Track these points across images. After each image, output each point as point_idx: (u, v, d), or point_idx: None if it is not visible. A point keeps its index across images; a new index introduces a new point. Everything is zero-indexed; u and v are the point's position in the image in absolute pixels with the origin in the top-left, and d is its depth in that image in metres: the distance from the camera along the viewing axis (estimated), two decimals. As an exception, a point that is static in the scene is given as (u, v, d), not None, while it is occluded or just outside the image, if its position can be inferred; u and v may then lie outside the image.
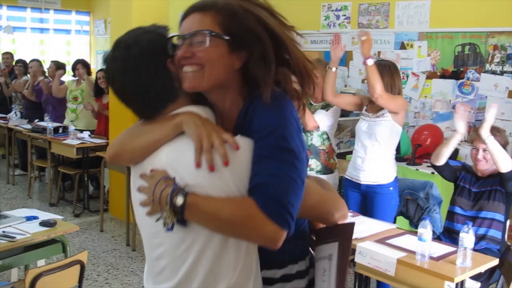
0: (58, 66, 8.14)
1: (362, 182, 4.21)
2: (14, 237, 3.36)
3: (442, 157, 4.03)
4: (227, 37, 1.47)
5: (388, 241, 3.29)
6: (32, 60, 8.70)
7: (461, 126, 3.92)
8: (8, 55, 9.77)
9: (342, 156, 5.77)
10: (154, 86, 1.52)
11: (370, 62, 3.98)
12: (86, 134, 6.79)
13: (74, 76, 7.76)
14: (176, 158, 1.46)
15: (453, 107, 6.10)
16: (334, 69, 4.34)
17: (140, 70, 1.51)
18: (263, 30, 1.48)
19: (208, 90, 1.53)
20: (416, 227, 4.43)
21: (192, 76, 1.49)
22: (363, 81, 6.95)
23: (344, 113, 5.07)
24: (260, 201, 1.36)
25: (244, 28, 1.48)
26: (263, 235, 1.38)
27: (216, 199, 1.40)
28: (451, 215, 4.08)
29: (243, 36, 1.48)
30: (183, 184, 1.42)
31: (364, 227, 3.51)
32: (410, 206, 4.68)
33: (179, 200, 1.39)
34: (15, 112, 8.39)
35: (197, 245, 1.44)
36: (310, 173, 4.54)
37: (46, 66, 9.10)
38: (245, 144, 1.45)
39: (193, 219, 1.42)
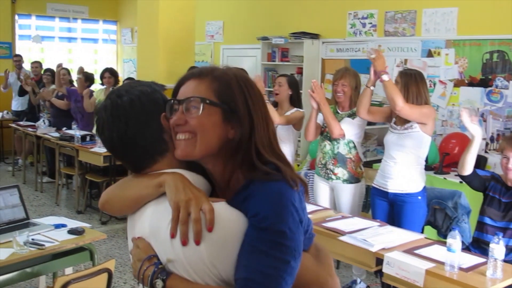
0: (87, 77, 8.25)
1: (389, 191, 4.19)
2: (43, 245, 3.40)
3: (467, 165, 3.95)
4: (222, 105, 1.43)
5: (416, 251, 3.25)
6: (60, 64, 8.84)
7: (473, 129, 3.84)
8: (37, 64, 9.93)
9: (369, 164, 5.73)
10: (143, 136, 1.47)
11: (386, 77, 3.98)
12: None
13: (102, 84, 7.84)
14: (157, 228, 1.41)
15: (482, 115, 6.04)
16: (372, 88, 4.31)
17: (129, 120, 1.47)
18: (246, 113, 1.44)
19: (200, 159, 1.47)
20: (444, 237, 4.37)
21: (184, 144, 1.45)
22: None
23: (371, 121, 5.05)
24: None
25: (234, 103, 1.44)
26: None
27: (195, 286, 1.33)
28: (480, 225, 4.02)
29: (233, 109, 1.44)
30: (165, 259, 1.37)
31: (392, 237, 3.48)
32: (438, 215, 4.61)
33: (159, 285, 1.36)
34: (44, 121, 8.51)
35: None
36: (336, 182, 4.53)
37: (73, 74, 9.22)
38: (235, 219, 1.36)
39: None
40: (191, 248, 1.32)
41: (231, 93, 1.45)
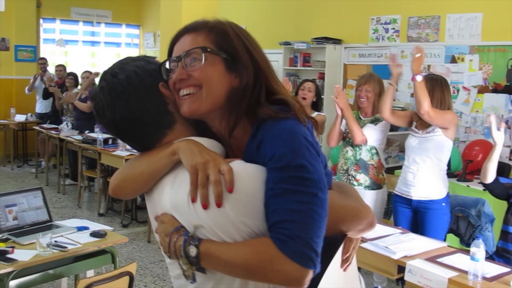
0: None
1: (413, 198, 4.16)
2: (66, 247, 3.43)
3: (489, 173, 3.91)
4: (223, 54, 1.40)
5: (439, 260, 3.22)
6: (85, 71, 8.95)
7: (497, 136, 3.81)
8: (61, 68, 10.05)
9: (391, 171, 5.70)
10: (147, 111, 1.42)
11: (419, 78, 3.95)
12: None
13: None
14: (177, 198, 1.36)
15: (506, 122, 5.97)
16: (395, 85, 4.29)
17: (129, 96, 1.41)
18: (248, 58, 1.42)
19: (209, 113, 1.42)
20: (467, 245, 4.33)
21: (190, 99, 1.40)
22: (411, 95, 6.86)
23: (393, 127, 5.02)
24: (279, 240, 1.24)
25: (234, 50, 1.42)
26: (285, 278, 1.26)
27: (231, 245, 1.29)
28: (504, 234, 3.97)
29: (234, 57, 1.41)
30: (192, 227, 1.33)
31: (414, 244, 3.45)
32: (460, 223, 4.57)
33: (192, 251, 1.30)
34: (67, 123, 8.59)
35: None
36: (358, 188, 4.50)
37: (96, 78, 9.31)
38: (253, 173, 1.33)
39: (210, 268, 1.33)
40: (216, 211, 1.29)
41: (229, 41, 1.42)
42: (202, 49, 1.38)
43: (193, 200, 1.30)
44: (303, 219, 1.26)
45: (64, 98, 9.04)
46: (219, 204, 1.28)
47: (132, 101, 1.41)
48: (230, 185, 1.28)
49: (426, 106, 3.92)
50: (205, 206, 1.29)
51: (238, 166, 1.33)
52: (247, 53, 1.42)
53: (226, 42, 1.42)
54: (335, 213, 1.41)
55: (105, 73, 1.47)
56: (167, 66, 1.46)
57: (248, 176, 1.32)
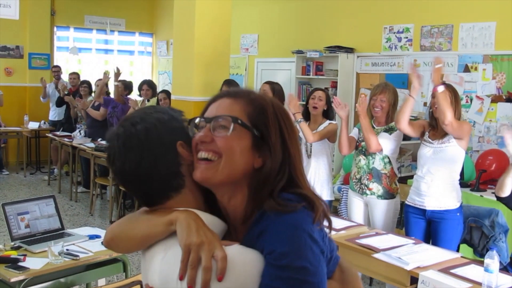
0: (126, 86, 8.37)
1: (427, 208, 4.13)
2: (78, 256, 3.43)
3: (506, 188, 3.85)
4: (254, 130, 1.33)
5: (452, 271, 3.19)
6: (99, 80, 8.99)
7: None
8: (75, 75, 10.11)
9: (404, 180, 5.66)
10: (157, 170, 1.35)
11: (441, 88, 3.94)
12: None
13: (139, 95, 7.92)
14: (167, 279, 1.29)
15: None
16: (415, 97, 4.26)
17: (143, 150, 1.34)
18: (279, 142, 1.35)
19: (221, 185, 1.35)
20: (481, 256, 4.30)
21: (205, 165, 1.33)
22: (424, 104, 6.84)
23: (406, 136, 5.00)
24: None
25: (266, 130, 1.34)
26: None
27: None
28: (519, 245, 3.93)
29: (264, 137, 1.34)
30: None
31: (427, 255, 3.42)
32: (474, 234, 4.53)
33: None
34: (79, 131, 8.63)
35: None
36: (371, 197, 4.48)
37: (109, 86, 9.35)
38: (250, 262, 1.25)
39: None
40: None
41: (265, 119, 1.35)
42: (233, 119, 1.33)
43: (181, 278, 1.23)
44: None
45: (79, 106, 9.08)
46: None
47: (145, 157, 1.35)
48: (220, 273, 1.20)
49: (450, 117, 3.91)
50: (190, 287, 1.22)
51: (235, 253, 1.26)
52: (280, 137, 1.35)
53: (262, 119, 1.35)
54: None
55: (125, 119, 1.42)
56: (196, 122, 1.40)
57: (243, 265, 1.24)
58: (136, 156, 1.35)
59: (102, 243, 3.35)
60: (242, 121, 1.33)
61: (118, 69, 8.46)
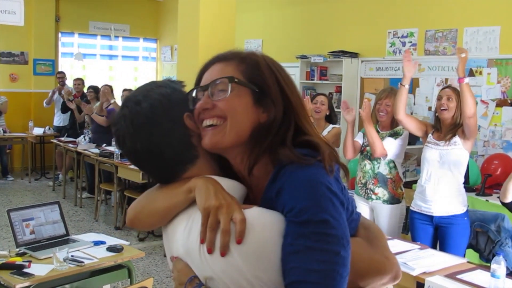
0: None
1: (435, 214, 4.11)
2: (82, 262, 3.43)
3: (510, 193, 3.85)
4: (252, 86, 1.33)
5: (458, 276, 3.17)
6: (105, 85, 8.99)
7: None
8: (79, 81, 10.11)
9: (409, 185, 5.65)
10: (169, 144, 1.35)
11: (467, 80, 3.94)
12: (151, 159, 6.90)
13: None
14: (189, 243, 1.30)
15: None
16: (407, 86, 4.25)
17: (152, 128, 1.34)
18: (278, 92, 1.34)
19: (231, 148, 1.34)
20: (487, 261, 4.28)
21: (212, 131, 1.32)
22: (429, 108, 6.83)
23: (411, 141, 4.99)
24: None
25: (264, 83, 1.34)
26: None
27: None
28: (525, 250, 3.91)
29: (263, 91, 1.34)
30: (204, 279, 1.26)
31: (433, 260, 3.40)
32: (480, 238, 4.52)
33: None
34: (84, 137, 8.64)
35: None
36: (376, 202, 4.47)
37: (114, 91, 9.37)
38: (269, 224, 1.24)
39: None
40: (227, 264, 1.21)
41: (260, 73, 1.34)
42: (229, 79, 1.32)
43: (202, 242, 1.24)
44: (324, 280, 1.16)
45: (85, 110, 9.09)
46: (223, 254, 1.21)
47: (155, 133, 1.35)
48: (239, 236, 1.20)
49: (473, 109, 3.91)
50: (210, 250, 1.22)
51: (254, 215, 1.25)
52: (278, 87, 1.35)
53: (257, 74, 1.34)
54: (357, 267, 1.30)
55: (127, 99, 1.41)
56: (194, 95, 1.39)
57: (263, 227, 1.23)
58: (146, 133, 1.35)
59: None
60: (239, 79, 1.32)
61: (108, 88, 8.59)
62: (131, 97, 1.41)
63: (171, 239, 1.39)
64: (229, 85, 1.31)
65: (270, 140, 1.32)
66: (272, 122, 1.32)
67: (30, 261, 3.36)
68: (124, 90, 8.74)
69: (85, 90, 9.97)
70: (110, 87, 8.96)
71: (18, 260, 3.38)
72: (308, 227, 1.18)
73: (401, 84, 4.25)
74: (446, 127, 4.14)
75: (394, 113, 4.30)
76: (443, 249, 3.99)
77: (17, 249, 3.58)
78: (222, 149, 1.35)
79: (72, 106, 9.59)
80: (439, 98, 4.17)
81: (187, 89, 1.45)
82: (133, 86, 11.68)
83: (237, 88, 1.32)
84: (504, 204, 3.95)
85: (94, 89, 9.33)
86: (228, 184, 1.34)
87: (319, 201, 1.21)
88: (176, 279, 1.34)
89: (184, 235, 1.32)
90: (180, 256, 1.34)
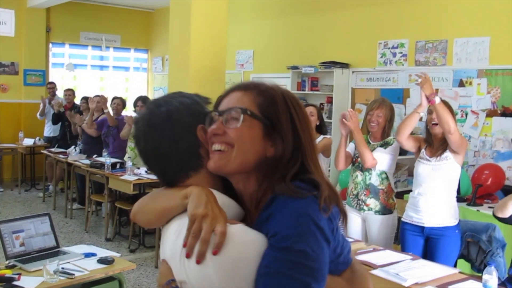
0: (123, 102, 8.41)
1: (426, 225, 4.11)
2: (73, 274, 3.40)
3: (507, 210, 3.84)
4: (263, 120, 1.38)
5: (450, 287, 3.17)
6: (96, 96, 8.95)
7: None
8: (70, 92, 10.09)
9: (400, 195, 5.65)
10: (177, 149, 1.43)
11: (438, 99, 3.94)
12: (143, 170, 6.88)
13: (135, 111, 7.92)
14: (175, 246, 1.36)
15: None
16: (421, 114, 4.22)
17: (164, 131, 1.43)
18: (290, 130, 1.38)
19: (233, 174, 1.40)
20: (478, 271, 4.28)
21: (218, 156, 1.39)
22: (420, 119, 6.84)
23: (402, 151, 5.00)
24: None
25: (277, 118, 1.39)
26: None
27: None
28: (516, 260, 3.91)
29: (275, 126, 1.38)
30: (179, 283, 1.34)
31: (425, 271, 3.40)
32: (471, 249, 4.51)
33: None
34: (75, 148, 8.61)
35: None
36: (368, 213, 4.47)
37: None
38: (250, 242, 1.28)
39: None
40: (200, 272, 1.26)
41: (275, 108, 1.39)
42: (242, 110, 1.37)
43: (184, 245, 1.28)
44: None
45: (77, 122, 9.04)
46: (198, 261, 1.25)
47: (166, 136, 1.43)
48: (216, 247, 1.24)
49: (452, 125, 3.91)
50: (188, 255, 1.27)
51: (237, 230, 1.29)
52: (291, 125, 1.39)
53: (271, 109, 1.39)
54: None
55: (151, 102, 1.51)
56: (211, 117, 1.45)
57: (243, 243, 1.27)
58: (158, 135, 1.44)
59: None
60: (252, 111, 1.38)
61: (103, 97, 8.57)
62: (154, 100, 1.52)
63: (163, 242, 1.45)
64: (242, 115, 1.37)
65: (279, 176, 1.36)
66: (279, 158, 1.38)
67: (20, 274, 3.33)
68: (115, 98, 8.69)
69: (75, 100, 9.96)
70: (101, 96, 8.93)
71: (8, 273, 3.34)
72: (286, 254, 1.22)
73: (415, 111, 4.22)
74: (438, 141, 4.15)
75: (397, 134, 4.28)
76: (432, 260, 3.99)
77: (7, 262, 3.55)
78: (225, 173, 1.41)
79: (70, 118, 9.47)
80: (430, 112, 4.18)
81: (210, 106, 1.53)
82: (124, 97, 11.64)
83: (249, 119, 1.38)
84: (498, 218, 3.94)
85: (88, 100, 9.29)
86: (224, 200, 1.39)
87: (302, 232, 1.24)
88: (157, 281, 1.41)
89: (172, 238, 1.38)
90: (166, 258, 1.41)
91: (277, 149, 1.38)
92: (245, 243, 1.27)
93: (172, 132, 1.43)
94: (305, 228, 1.25)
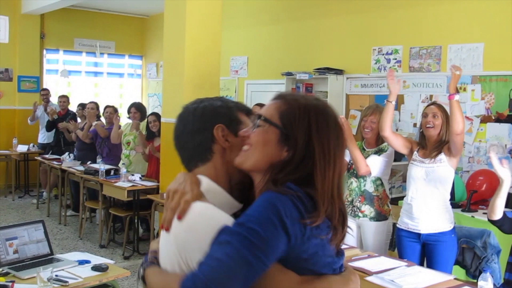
0: (115, 110, 8.39)
1: (422, 232, 4.11)
2: (67, 282, 3.38)
3: (497, 209, 3.84)
4: (278, 126, 1.51)
5: (446, 293, 3.17)
6: (90, 102, 8.94)
7: (503, 173, 3.75)
8: (64, 99, 10.05)
9: (395, 201, 5.65)
10: (192, 140, 1.62)
11: (457, 97, 3.95)
12: (137, 177, 6.87)
13: (129, 118, 7.90)
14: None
15: (510, 152, 5.95)
16: (393, 102, 4.27)
17: (187, 123, 1.64)
18: (303, 140, 1.49)
19: (249, 171, 1.56)
20: (473, 277, 4.27)
21: (241, 153, 1.57)
22: (414, 125, 6.86)
23: (396, 157, 5.00)
24: (184, 277, 1.36)
25: (293, 127, 1.51)
26: None
27: (161, 273, 1.51)
28: (511, 266, 3.91)
29: (289, 133, 1.51)
30: (154, 250, 1.63)
31: (421, 277, 3.39)
32: (466, 255, 4.51)
33: (141, 272, 1.62)
34: (69, 154, 8.58)
35: None
36: (363, 219, 4.46)
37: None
38: (214, 219, 1.44)
39: None
40: (166, 238, 1.49)
41: (293, 117, 1.50)
42: (258, 117, 1.56)
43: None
44: (218, 268, 1.32)
45: (72, 129, 9.01)
46: (167, 229, 1.49)
47: (187, 127, 1.64)
48: (179, 213, 1.45)
49: (461, 126, 3.93)
50: (162, 226, 1.51)
51: (200, 205, 1.47)
52: (305, 135, 1.49)
53: (289, 117, 1.51)
54: None
55: (193, 101, 1.72)
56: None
57: (206, 218, 1.44)
58: (182, 126, 1.67)
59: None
60: (266, 118, 1.54)
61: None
62: (199, 98, 1.72)
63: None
64: (257, 121, 1.55)
65: (283, 176, 1.48)
66: (286, 162, 1.50)
67: (13, 281, 3.31)
68: (107, 106, 8.68)
69: (69, 107, 9.94)
70: (96, 104, 8.91)
71: (1, 280, 3.33)
72: (239, 228, 1.37)
73: (387, 100, 4.26)
74: (432, 144, 4.16)
75: (380, 129, 4.30)
76: (430, 266, 3.99)
77: (0, 269, 3.53)
78: (243, 169, 1.57)
79: (71, 127, 9.42)
80: (425, 115, 4.18)
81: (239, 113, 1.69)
82: (118, 103, 11.64)
83: (266, 125, 1.54)
84: (492, 222, 3.94)
85: (83, 106, 9.28)
86: (214, 188, 1.57)
87: (261, 216, 1.37)
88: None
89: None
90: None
91: (289, 154, 1.50)
92: (203, 215, 1.44)
93: (192, 125, 1.63)
94: (265, 214, 1.37)
